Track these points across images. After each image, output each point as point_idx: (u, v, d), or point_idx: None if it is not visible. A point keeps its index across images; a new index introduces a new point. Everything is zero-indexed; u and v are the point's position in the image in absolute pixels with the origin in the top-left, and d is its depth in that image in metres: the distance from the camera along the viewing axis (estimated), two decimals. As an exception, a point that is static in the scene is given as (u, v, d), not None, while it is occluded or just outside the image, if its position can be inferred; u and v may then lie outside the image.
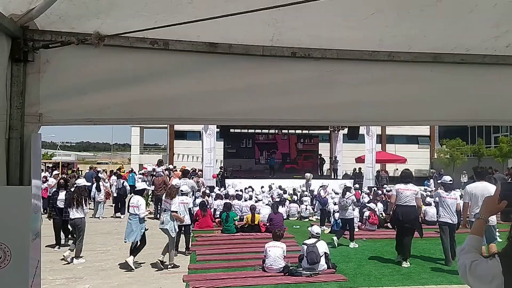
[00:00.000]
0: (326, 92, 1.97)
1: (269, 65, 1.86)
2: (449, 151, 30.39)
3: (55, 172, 18.26)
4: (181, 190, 9.78)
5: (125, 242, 8.37)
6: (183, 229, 9.70)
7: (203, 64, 1.81)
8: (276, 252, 7.77)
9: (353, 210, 11.91)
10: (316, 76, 1.93)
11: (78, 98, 1.71)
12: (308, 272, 7.54)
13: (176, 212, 8.74)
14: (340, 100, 2.00)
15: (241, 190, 17.11)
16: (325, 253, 7.90)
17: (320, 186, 15.80)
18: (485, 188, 7.35)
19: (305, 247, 7.90)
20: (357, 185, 20.20)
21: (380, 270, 8.10)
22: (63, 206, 9.83)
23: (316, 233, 8.08)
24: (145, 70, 1.77)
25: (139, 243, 8.31)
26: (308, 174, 20.17)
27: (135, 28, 1.57)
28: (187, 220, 9.65)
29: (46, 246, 9.97)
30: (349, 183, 21.99)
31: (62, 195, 10.05)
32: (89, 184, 13.07)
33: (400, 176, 9.66)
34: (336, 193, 17.10)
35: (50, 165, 30.50)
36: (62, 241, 10.34)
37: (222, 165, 27.59)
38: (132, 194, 9.78)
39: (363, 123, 2.94)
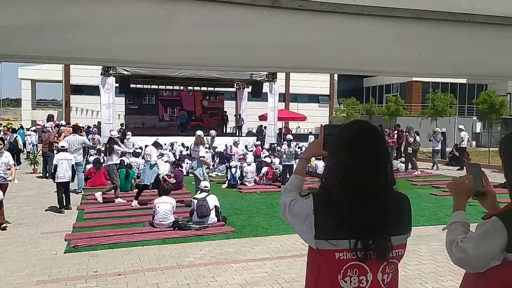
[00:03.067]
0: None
1: None
2: (345, 109, 32.21)
3: None
4: (62, 146, 9.30)
5: (142, 184, 10.00)
6: (62, 187, 9.25)
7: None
8: (164, 208, 7.71)
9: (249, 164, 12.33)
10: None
11: None
12: (198, 226, 7.63)
13: (204, 157, 9.86)
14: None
15: (140, 148, 16.62)
16: (215, 206, 8.02)
17: (233, 143, 16.11)
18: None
19: (195, 201, 7.94)
20: (258, 142, 20.72)
21: (268, 221, 8.46)
22: None
23: (205, 187, 8.14)
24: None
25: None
26: (212, 131, 20.20)
27: None
28: (67, 177, 9.20)
29: None
30: (251, 140, 22.63)
31: None
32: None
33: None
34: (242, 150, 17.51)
35: None
36: None
37: (124, 121, 26.48)
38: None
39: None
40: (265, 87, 23.96)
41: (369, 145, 1.71)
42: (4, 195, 7.96)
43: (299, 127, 35.10)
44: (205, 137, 19.28)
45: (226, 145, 18.28)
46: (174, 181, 10.81)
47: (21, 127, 26.15)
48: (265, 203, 10.24)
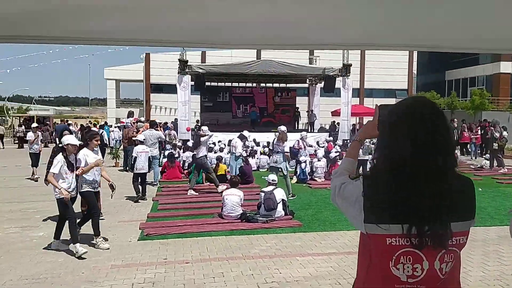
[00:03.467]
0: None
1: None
2: (425, 104, 30.56)
3: (34, 124, 15.88)
4: (139, 139, 9.80)
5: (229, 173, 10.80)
6: (140, 178, 9.74)
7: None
8: (232, 200, 7.82)
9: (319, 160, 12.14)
10: None
11: None
12: (264, 218, 7.64)
13: (288, 152, 10.25)
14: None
15: (213, 143, 17.09)
16: (282, 200, 7.98)
17: (300, 138, 15.96)
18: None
19: (263, 194, 7.96)
20: (330, 138, 20.35)
21: (336, 216, 8.23)
22: None
23: (272, 180, 8.12)
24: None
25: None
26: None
27: None
28: (145, 168, 9.70)
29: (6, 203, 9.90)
30: (323, 135, 22.27)
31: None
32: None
33: None
34: (310, 146, 17.28)
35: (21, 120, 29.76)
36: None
37: (199, 118, 27.35)
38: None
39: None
40: (338, 83, 23.46)
41: (422, 123, 1.56)
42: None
43: (374, 123, 33.92)
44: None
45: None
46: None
47: (106, 123, 28.01)
48: (334, 199, 10.00)
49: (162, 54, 35.44)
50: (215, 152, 14.75)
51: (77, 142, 6.53)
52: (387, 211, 1.54)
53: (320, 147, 17.85)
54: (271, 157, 11.23)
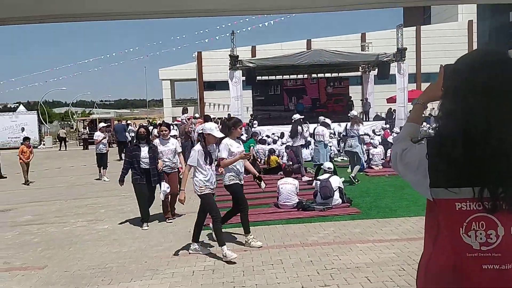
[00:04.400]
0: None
1: None
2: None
3: (102, 124, 15.65)
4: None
5: (316, 163, 10.47)
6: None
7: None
8: (287, 188, 7.75)
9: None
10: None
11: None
12: (321, 206, 7.51)
13: (364, 135, 10.51)
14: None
15: (267, 136, 17.14)
16: (339, 187, 7.81)
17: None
18: None
19: (319, 182, 7.84)
20: (386, 125, 19.71)
21: (396, 203, 7.96)
22: (148, 166, 7.33)
23: (328, 168, 7.97)
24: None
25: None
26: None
27: None
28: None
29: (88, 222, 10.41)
30: (379, 123, 21.59)
31: (145, 151, 7.40)
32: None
33: None
34: (366, 134, 16.85)
35: (86, 123, 31.46)
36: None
37: (252, 113, 27.50)
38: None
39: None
40: (393, 68, 22.65)
41: (494, 72, 1.40)
42: (177, 186, 7.37)
43: (433, 108, 32.43)
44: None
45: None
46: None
47: (163, 122, 28.87)
48: (393, 185, 9.67)
49: (213, 52, 35.99)
50: (268, 144, 14.73)
51: (220, 135, 5.66)
52: (455, 173, 1.42)
53: (376, 134, 17.36)
54: (346, 142, 11.14)
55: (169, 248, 6.12)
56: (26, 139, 14.84)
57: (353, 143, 10.50)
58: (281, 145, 14.72)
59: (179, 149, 8.07)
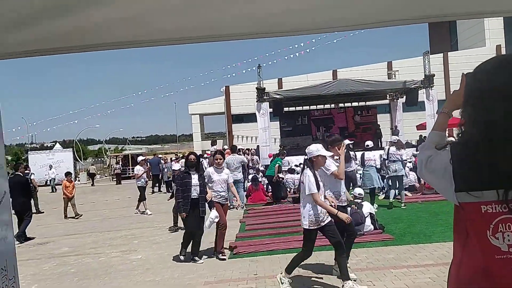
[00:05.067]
0: None
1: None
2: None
3: (140, 158, 15.89)
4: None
5: (366, 188, 10.52)
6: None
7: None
8: (318, 215, 7.68)
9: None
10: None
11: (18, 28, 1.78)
12: (353, 233, 7.40)
13: (407, 160, 11.08)
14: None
15: (296, 165, 17.15)
16: (370, 213, 7.72)
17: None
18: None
19: (349, 209, 7.74)
20: (417, 152, 19.39)
21: (431, 229, 7.78)
22: (197, 195, 6.97)
23: (359, 194, 7.90)
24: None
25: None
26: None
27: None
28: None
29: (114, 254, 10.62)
30: (410, 151, 21.23)
31: (195, 178, 7.06)
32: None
33: None
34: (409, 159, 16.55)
35: (119, 158, 32.25)
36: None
37: (280, 143, 27.62)
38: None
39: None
40: (421, 95, 22.47)
41: (510, 86, 1.46)
42: (225, 216, 7.40)
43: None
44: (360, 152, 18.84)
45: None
46: None
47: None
48: (427, 211, 9.47)
49: (241, 86, 36.68)
50: (297, 173, 14.72)
51: (329, 153, 5.35)
52: (479, 177, 1.46)
53: (408, 161, 17.07)
54: (389, 166, 10.93)
55: (201, 275, 6.16)
56: (68, 174, 14.80)
57: (397, 168, 10.52)
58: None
59: (231, 180, 7.61)
